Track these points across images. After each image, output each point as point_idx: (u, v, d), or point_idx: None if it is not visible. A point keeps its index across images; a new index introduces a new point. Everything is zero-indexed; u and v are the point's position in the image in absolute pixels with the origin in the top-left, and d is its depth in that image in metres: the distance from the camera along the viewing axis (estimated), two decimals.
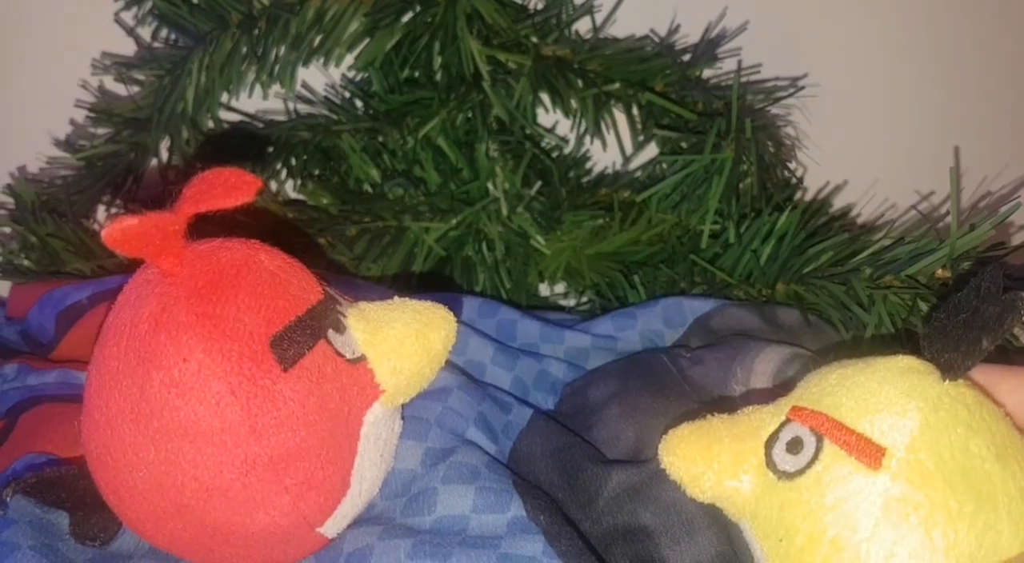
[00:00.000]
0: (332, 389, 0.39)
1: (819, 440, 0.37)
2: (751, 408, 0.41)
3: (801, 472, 0.37)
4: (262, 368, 0.37)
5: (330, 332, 0.40)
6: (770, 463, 0.38)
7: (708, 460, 0.39)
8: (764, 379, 0.51)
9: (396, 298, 0.44)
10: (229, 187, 0.37)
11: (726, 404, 0.51)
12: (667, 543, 0.44)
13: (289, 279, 0.40)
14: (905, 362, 0.38)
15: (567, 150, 0.75)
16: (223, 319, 0.37)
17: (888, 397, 0.37)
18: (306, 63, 0.70)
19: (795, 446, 0.38)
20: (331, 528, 0.42)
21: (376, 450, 0.42)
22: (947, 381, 0.37)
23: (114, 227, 0.33)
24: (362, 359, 0.41)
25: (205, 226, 0.39)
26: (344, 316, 0.41)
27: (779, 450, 0.38)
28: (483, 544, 0.41)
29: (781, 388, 0.51)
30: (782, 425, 0.39)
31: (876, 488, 0.35)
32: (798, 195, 0.74)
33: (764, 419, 0.40)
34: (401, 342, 0.42)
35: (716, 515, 0.44)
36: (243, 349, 0.37)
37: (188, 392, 0.36)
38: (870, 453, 0.36)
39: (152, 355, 0.36)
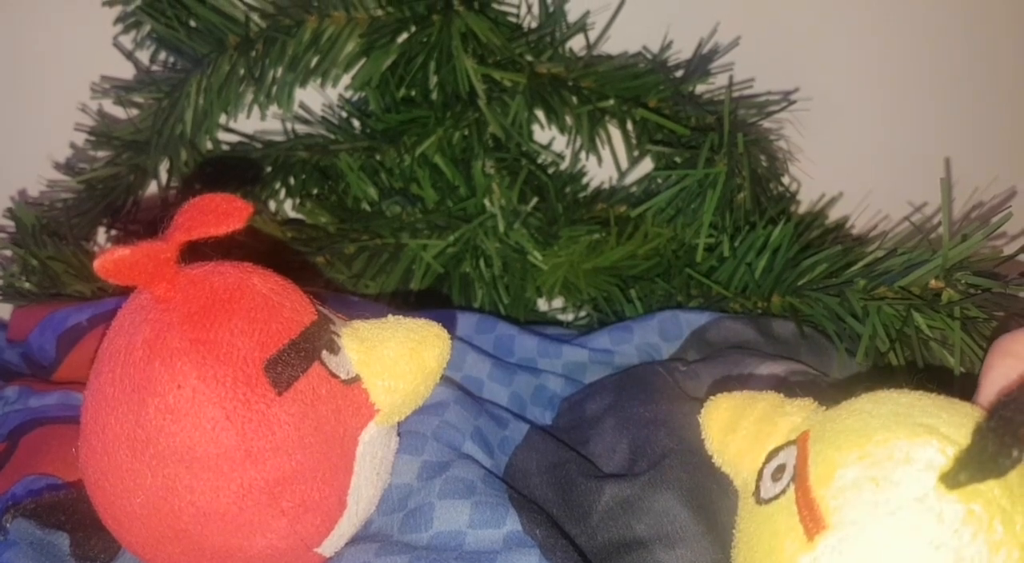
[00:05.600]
0: (327, 411, 0.40)
1: (792, 480, 0.36)
2: (795, 404, 0.40)
3: (764, 502, 0.37)
4: (256, 392, 0.37)
5: (324, 353, 0.40)
6: (759, 476, 0.38)
7: (720, 442, 0.41)
8: None
9: (390, 316, 0.44)
10: (220, 214, 0.37)
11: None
12: (661, 548, 0.44)
13: (282, 302, 0.40)
14: (908, 446, 0.34)
15: (563, 166, 0.76)
16: (217, 344, 0.37)
17: (856, 478, 0.34)
18: (303, 84, 0.71)
19: (779, 472, 0.37)
20: (328, 547, 0.42)
21: (372, 469, 0.43)
22: (941, 484, 0.33)
23: (106, 258, 0.34)
24: (356, 379, 0.41)
25: (204, 245, 0.39)
26: (338, 336, 0.42)
27: (768, 469, 0.38)
28: (479, 559, 0.42)
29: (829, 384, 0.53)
30: (788, 443, 0.38)
31: (800, 558, 0.34)
32: (792, 208, 0.74)
33: (785, 429, 0.39)
34: (395, 361, 0.42)
35: (711, 523, 0.45)
36: (237, 374, 0.37)
37: (183, 418, 0.36)
38: (811, 523, 0.34)
39: (147, 382, 0.37)
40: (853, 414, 0.36)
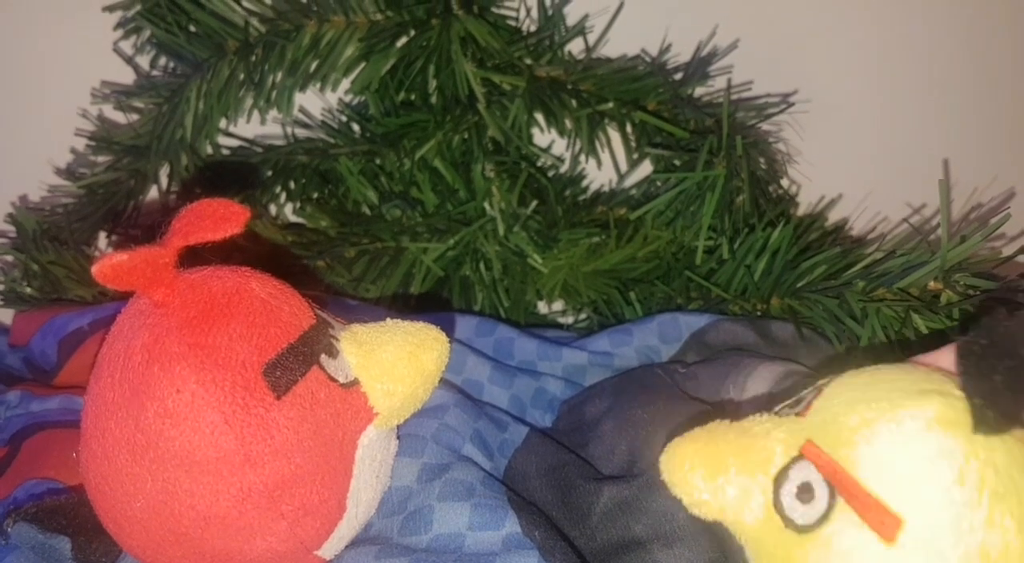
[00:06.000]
0: (326, 414, 0.40)
1: (832, 495, 0.35)
2: (761, 423, 0.38)
3: (811, 528, 0.35)
4: (255, 397, 0.38)
5: (323, 357, 0.40)
6: (778, 506, 0.36)
7: (713, 490, 0.37)
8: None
9: (388, 319, 0.44)
10: (217, 219, 0.37)
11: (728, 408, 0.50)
12: (659, 547, 0.44)
13: (280, 306, 0.40)
14: (936, 409, 0.34)
15: (563, 169, 0.76)
16: (215, 349, 0.37)
17: (912, 460, 0.34)
18: (303, 88, 0.71)
19: (806, 493, 0.35)
20: (328, 550, 0.42)
21: (371, 472, 0.43)
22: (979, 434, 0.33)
23: (104, 263, 0.34)
24: (355, 383, 0.42)
25: (204, 249, 0.39)
26: (337, 340, 0.42)
27: (788, 494, 0.36)
28: (479, 561, 0.42)
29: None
30: (793, 461, 0.36)
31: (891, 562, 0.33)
32: (791, 210, 0.75)
33: (774, 448, 0.37)
34: (394, 364, 0.42)
35: (707, 523, 0.45)
36: (236, 378, 0.37)
37: (182, 422, 0.37)
38: (886, 524, 0.33)
39: (146, 386, 0.37)
40: (851, 406, 0.36)
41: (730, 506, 0.37)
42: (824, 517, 0.35)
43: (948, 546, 0.33)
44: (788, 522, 0.36)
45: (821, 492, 0.35)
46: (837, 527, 0.34)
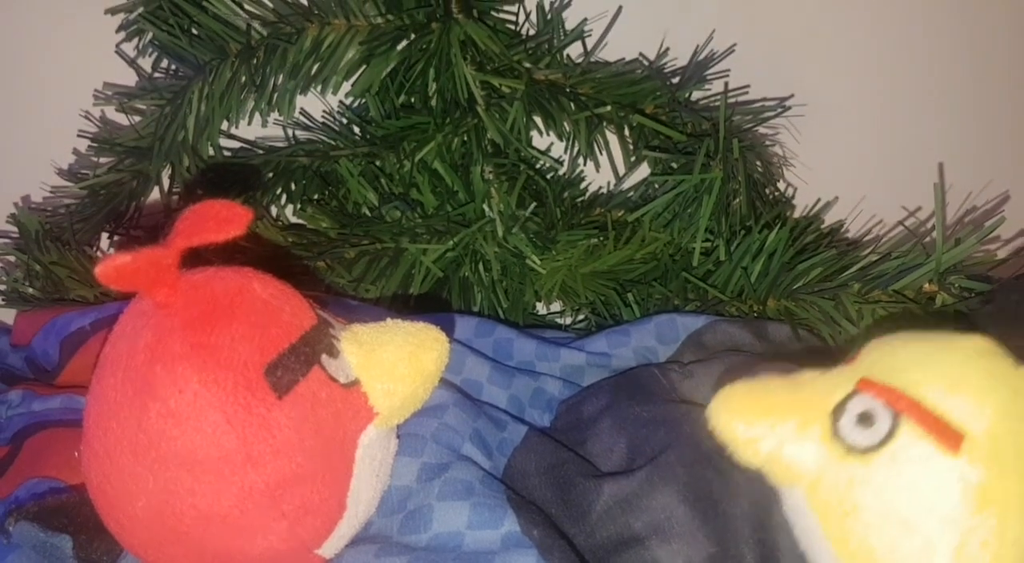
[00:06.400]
0: (327, 414, 0.40)
1: (895, 417, 0.36)
2: (809, 373, 0.40)
3: (875, 448, 0.37)
4: (257, 397, 0.38)
5: (324, 357, 0.41)
6: (838, 435, 0.38)
7: (770, 424, 0.38)
8: None
9: (389, 319, 0.44)
10: (220, 220, 0.37)
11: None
12: (657, 543, 0.45)
13: (282, 306, 0.40)
14: (981, 344, 0.37)
15: (561, 171, 0.76)
16: (218, 349, 0.37)
17: (968, 380, 0.36)
18: (304, 91, 0.71)
19: (866, 420, 0.37)
20: (328, 549, 0.42)
21: (372, 471, 0.43)
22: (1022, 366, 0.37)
23: (107, 264, 0.34)
24: (356, 383, 0.42)
25: (206, 250, 0.39)
26: (337, 340, 0.42)
27: (848, 423, 0.37)
28: (478, 560, 0.42)
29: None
30: (849, 396, 0.38)
31: (954, 473, 0.35)
32: (787, 212, 0.75)
33: (828, 387, 0.39)
34: (394, 365, 0.42)
35: (711, 515, 0.45)
36: (238, 378, 0.37)
37: (185, 422, 0.37)
38: (950, 436, 0.35)
39: (148, 386, 0.37)
40: (901, 346, 0.38)
41: (789, 438, 0.38)
42: (887, 438, 0.36)
43: (1009, 456, 0.35)
44: (851, 448, 0.37)
45: (882, 417, 0.37)
46: (901, 443, 0.36)
